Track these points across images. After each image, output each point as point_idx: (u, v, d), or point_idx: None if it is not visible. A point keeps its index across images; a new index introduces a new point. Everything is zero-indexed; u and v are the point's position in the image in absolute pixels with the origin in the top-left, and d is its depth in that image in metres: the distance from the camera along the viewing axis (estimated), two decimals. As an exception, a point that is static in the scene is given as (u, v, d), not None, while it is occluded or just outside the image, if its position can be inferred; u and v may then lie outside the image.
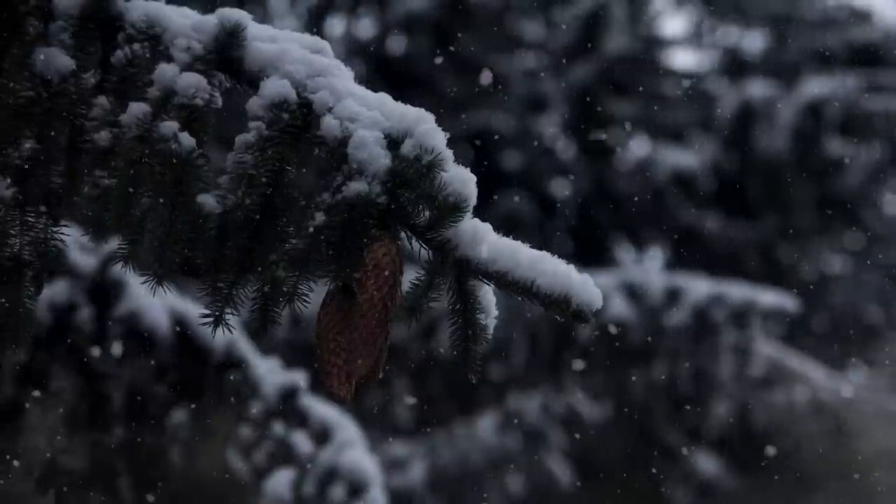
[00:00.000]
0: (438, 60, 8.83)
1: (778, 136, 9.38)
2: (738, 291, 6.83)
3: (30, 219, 1.60)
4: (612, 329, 6.41)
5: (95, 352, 2.84)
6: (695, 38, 11.06)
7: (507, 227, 6.07)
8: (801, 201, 9.55)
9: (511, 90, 9.23)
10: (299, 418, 3.05)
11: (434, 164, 1.49)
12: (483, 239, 1.52)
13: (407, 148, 1.51)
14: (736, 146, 9.62)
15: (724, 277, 7.12)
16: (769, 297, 6.86)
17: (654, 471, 7.76)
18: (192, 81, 1.55)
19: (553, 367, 6.70)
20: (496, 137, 9.06)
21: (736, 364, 6.94)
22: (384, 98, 1.59)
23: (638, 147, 10.37)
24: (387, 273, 1.49)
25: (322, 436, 3.04)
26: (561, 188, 9.66)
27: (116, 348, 2.86)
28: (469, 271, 1.53)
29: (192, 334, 2.95)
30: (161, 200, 1.53)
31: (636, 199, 9.48)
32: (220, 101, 1.58)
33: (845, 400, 7.83)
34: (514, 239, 1.55)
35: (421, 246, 1.52)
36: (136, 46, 1.59)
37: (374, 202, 1.49)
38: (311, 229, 1.51)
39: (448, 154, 1.51)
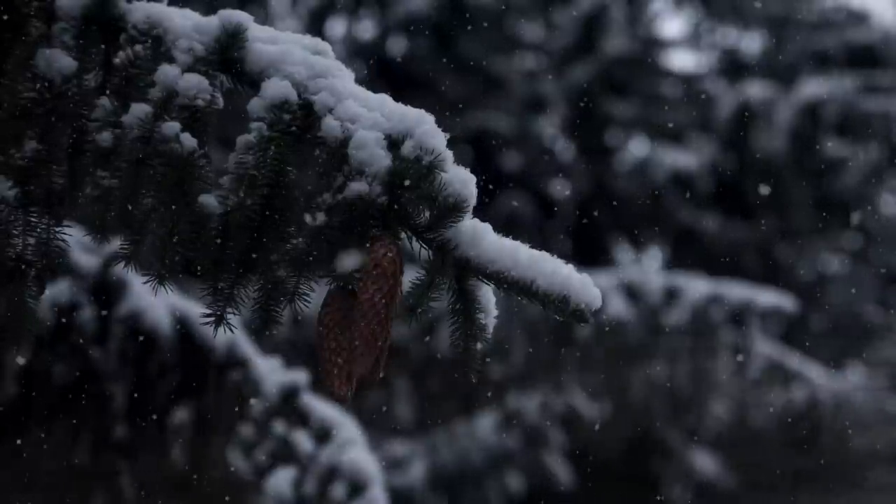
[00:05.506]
0: (438, 62, 8.84)
1: (776, 136, 9.39)
2: (736, 291, 6.85)
3: (32, 219, 1.60)
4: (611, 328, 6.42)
5: (97, 351, 2.85)
6: (693, 40, 11.07)
7: (506, 227, 6.09)
8: (799, 202, 9.56)
9: (511, 91, 9.24)
10: (300, 417, 3.06)
11: (434, 164, 1.50)
12: (483, 239, 1.53)
13: (407, 149, 1.52)
14: (734, 147, 9.63)
15: (722, 277, 7.13)
16: (767, 297, 6.87)
17: (652, 469, 7.76)
18: (194, 82, 1.56)
19: (552, 367, 6.71)
20: (496, 138, 9.06)
21: (734, 363, 6.95)
22: (385, 99, 1.60)
23: (637, 147, 10.39)
24: (387, 273, 1.50)
25: (323, 435, 3.05)
26: (561, 188, 9.67)
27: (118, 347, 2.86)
28: (469, 271, 1.54)
29: (193, 334, 2.96)
30: (163, 201, 1.53)
31: (635, 199, 9.48)
32: (221, 102, 1.59)
33: (843, 399, 7.84)
34: (513, 239, 1.56)
35: (421, 246, 1.53)
36: (138, 47, 1.60)
37: (375, 202, 1.50)
38: (311, 229, 1.52)
39: (448, 155, 1.52)
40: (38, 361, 2.80)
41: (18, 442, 2.89)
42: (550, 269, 1.53)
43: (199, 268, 1.55)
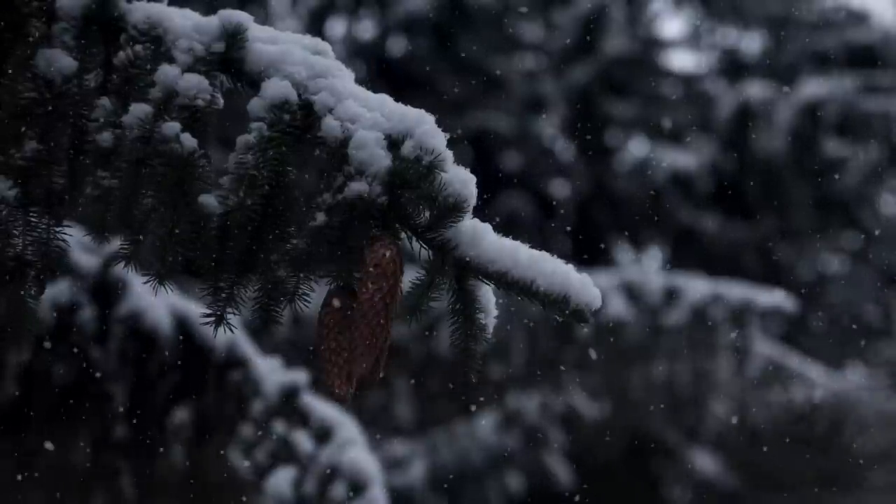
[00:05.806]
0: (438, 62, 8.84)
1: (776, 136, 9.39)
2: (736, 291, 6.85)
3: (32, 219, 1.60)
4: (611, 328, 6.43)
5: (97, 351, 2.85)
6: (693, 40, 11.07)
7: (506, 227, 6.09)
8: (799, 201, 9.56)
9: (511, 91, 9.24)
10: (300, 417, 3.06)
11: (434, 164, 1.50)
12: (483, 239, 1.53)
13: (407, 149, 1.52)
14: (734, 147, 9.63)
15: (722, 277, 7.13)
16: (767, 297, 6.87)
17: (652, 469, 7.77)
18: (194, 82, 1.56)
19: (552, 367, 6.71)
20: (496, 138, 9.07)
21: (734, 363, 6.96)
22: (385, 99, 1.60)
23: (637, 147, 10.39)
24: (387, 273, 1.50)
25: (323, 435, 3.05)
26: (561, 188, 9.67)
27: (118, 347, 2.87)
28: (469, 271, 1.54)
29: (193, 334, 2.96)
30: (163, 201, 1.54)
31: (635, 199, 9.49)
32: (221, 102, 1.59)
33: (843, 399, 7.84)
34: (513, 239, 1.56)
35: (421, 246, 1.53)
36: (139, 47, 1.60)
37: (375, 202, 1.50)
38: (311, 229, 1.52)
39: (448, 155, 1.52)
40: (38, 361, 2.80)
41: (18, 442, 2.89)
42: (550, 269, 1.53)
43: (199, 268, 1.55)
